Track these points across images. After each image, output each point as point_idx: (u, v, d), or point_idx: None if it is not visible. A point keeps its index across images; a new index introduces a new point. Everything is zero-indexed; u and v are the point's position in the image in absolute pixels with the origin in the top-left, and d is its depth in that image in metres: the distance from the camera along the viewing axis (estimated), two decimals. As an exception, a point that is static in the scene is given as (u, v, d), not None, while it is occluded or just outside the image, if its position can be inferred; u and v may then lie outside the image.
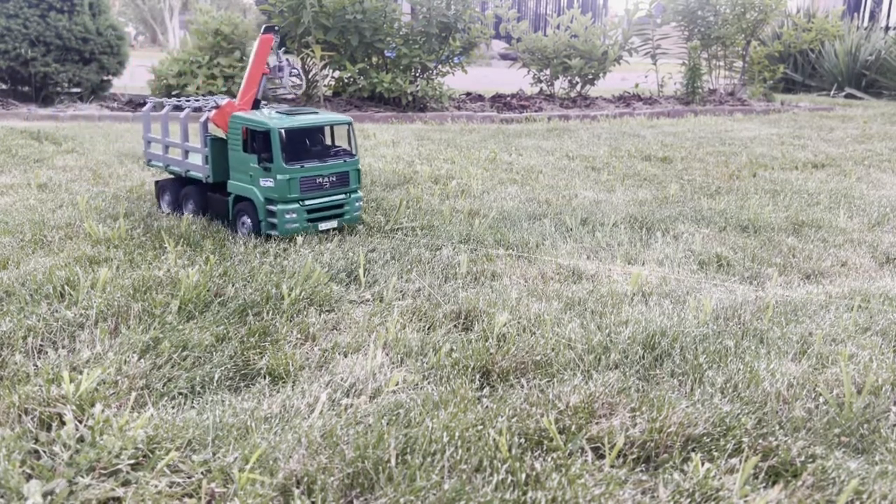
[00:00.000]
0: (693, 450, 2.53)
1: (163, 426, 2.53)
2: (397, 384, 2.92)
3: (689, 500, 2.27)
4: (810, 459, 2.47)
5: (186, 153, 5.17)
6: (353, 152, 4.95)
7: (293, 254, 4.43)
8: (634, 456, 2.50)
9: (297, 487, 2.27)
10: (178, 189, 5.30)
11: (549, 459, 2.43)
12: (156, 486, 2.24)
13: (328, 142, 4.97)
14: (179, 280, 3.75)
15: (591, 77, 14.60)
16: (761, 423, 2.68)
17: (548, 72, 14.64)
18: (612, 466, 2.43)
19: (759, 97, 15.48)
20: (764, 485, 2.36)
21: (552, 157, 8.30)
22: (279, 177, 4.57)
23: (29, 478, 2.26)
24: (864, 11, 21.54)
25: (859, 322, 3.63)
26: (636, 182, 6.96)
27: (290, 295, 3.68)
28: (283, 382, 2.96)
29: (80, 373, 2.84)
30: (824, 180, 7.18)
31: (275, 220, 4.62)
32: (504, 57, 24.26)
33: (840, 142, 9.83)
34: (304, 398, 2.79)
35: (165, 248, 4.35)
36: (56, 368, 2.88)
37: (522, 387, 2.93)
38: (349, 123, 4.92)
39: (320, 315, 3.59)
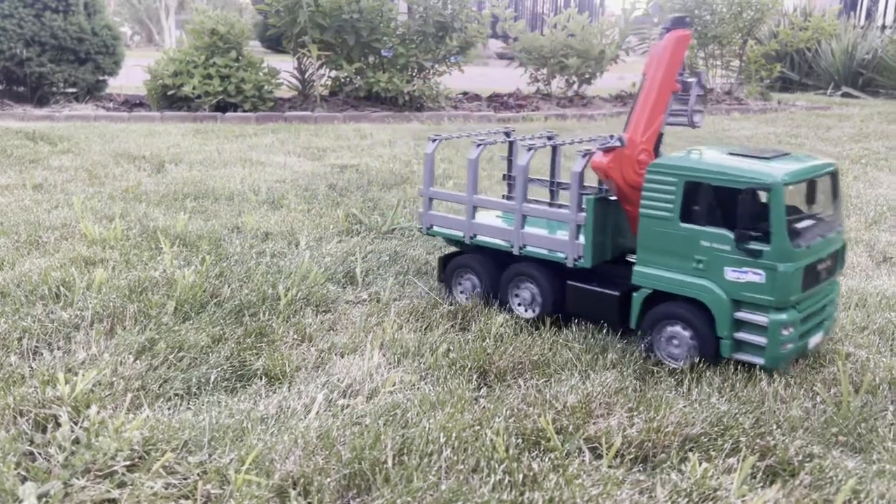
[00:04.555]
0: (691, 449, 2.52)
1: (158, 427, 2.52)
2: (394, 385, 2.91)
3: (686, 499, 2.26)
4: (808, 459, 2.47)
5: (524, 219, 3.55)
6: (839, 217, 3.28)
7: (290, 253, 4.42)
8: (632, 456, 2.49)
9: (294, 489, 2.26)
10: (492, 270, 3.70)
11: (547, 460, 2.42)
12: (151, 488, 2.23)
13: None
14: (175, 281, 3.74)
15: (587, 76, 14.59)
16: (759, 422, 2.68)
17: (545, 71, 14.63)
18: (609, 466, 2.43)
19: (755, 96, 15.49)
20: (762, 484, 2.36)
21: (547, 157, 8.28)
22: (781, 267, 2.88)
23: (24, 480, 2.25)
24: (860, 10, 21.57)
25: (856, 321, 3.63)
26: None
27: (286, 295, 3.67)
28: (280, 383, 2.95)
29: (76, 374, 2.83)
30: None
31: (755, 339, 2.98)
32: (501, 56, 24.27)
33: (837, 140, 9.84)
34: (300, 399, 2.78)
35: (161, 248, 4.34)
36: (51, 370, 2.87)
37: (520, 387, 2.92)
38: (836, 169, 3.27)
39: (317, 315, 3.58)
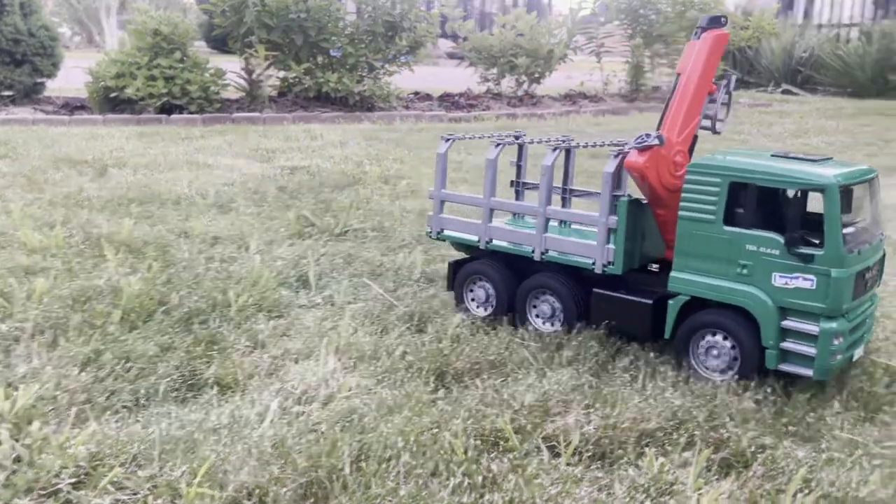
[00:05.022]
0: (647, 444, 2.55)
1: (106, 442, 2.43)
2: (350, 389, 2.87)
3: (644, 495, 2.28)
4: (760, 450, 2.52)
5: (547, 222, 3.35)
6: (880, 223, 3.14)
7: (240, 258, 4.33)
8: (590, 453, 2.50)
9: (249, 500, 2.21)
10: (509, 278, 3.48)
11: (506, 460, 2.42)
12: (99, 506, 2.15)
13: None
14: (121, 289, 3.62)
15: (537, 76, 14.70)
16: (712, 415, 2.72)
17: (495, 70, 14.68)
18: (568, 464, 2.43)
19: (700, 94, 15.81)
20: (717, 477, 2.39)
21: (501, 155, 8.30)
22: (835, 272, 2.73)
23: (-39, 502, 2.14)
24: (797, 9, 22.22)
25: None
26: (586, 179, 7.00)
27: (237, 301, 3.59)
28: (232, 392, 2.88)
29: (16, 389, 2.71)
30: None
31: (802, 348, 2.83)
32: (451, 56, 24.28)
33: (779, 136, 10.10)
34: (253, 407, 2.72)
35: (105, 255, 4.20)
36: (-10, 385, 2.75)
37: (477, 387, 2.91)
38: (877, 175, 3.15)
39: (269, 321, 3.51)
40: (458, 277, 3.64)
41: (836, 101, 15.27)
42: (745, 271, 2.87)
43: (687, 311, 3.02)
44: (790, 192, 2.86)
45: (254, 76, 11.85)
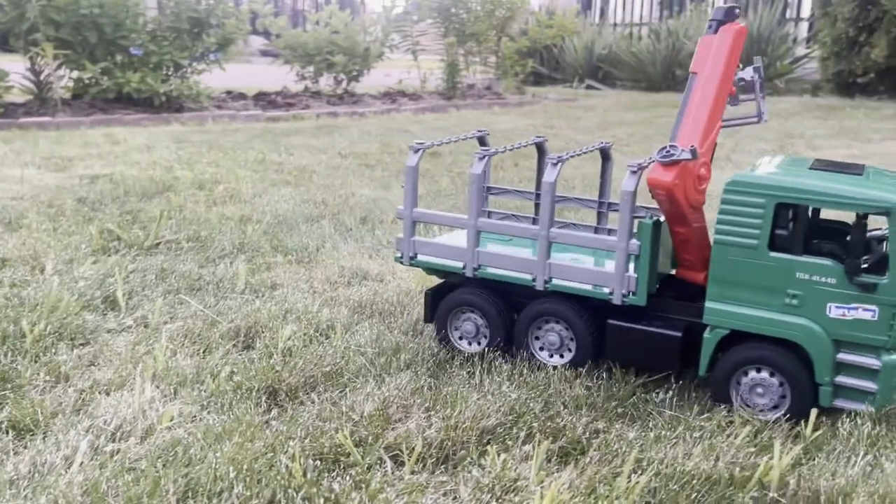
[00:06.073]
0: (488, 442, 2.54)
1: None
2: (172, 419, 2.62)
3: (489, 495, 2.26)
4: (595, 435, 2.59)
5: (549, 246, 2.95)
6: None
7: (34, 281, 3.85)
8: (433, 458, 2.45)
9: (57, 562, 1.93)
10: (503, 309, 3.12)
11: (348, 477, 2.31)
12: None
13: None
14: None
15: (355, 74, 14.60)
16: (547, 405, 2.77)
17: (311, 69, 14.40)
18: (412, 472, 2.37)
19: (513, 90, 16.48)
20: (557, 467, 2.43)
21: (324, 155, 8.13)
22: None
23: None
24: (595, 9, 23.83)
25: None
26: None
27: (33, 331, 3.18)
28: (32, 435, 2.53)
29: None
30: (578, 166, 7.77)
31: (860, 383, 2.59)
32: (265, 53, 23.54)
33: (587, 130, 10.73)
34: (59, 450, 2.40)
35: None
36: None
37: (313, 402, 2.77)
38: None
39: (73, 350, 3.14)
40: (439, 310, 3.19)
41: (633, 95, 16.55)
42: (794, 301, 2.58)
43: (724, 344, 2.73)
44: (847, 215, 2.58)
45: (42, 77, 10.75)
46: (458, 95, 15.10)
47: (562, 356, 3.06)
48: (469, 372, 3.02)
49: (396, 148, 8.70)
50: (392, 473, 2.37)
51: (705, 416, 2.70)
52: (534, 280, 2.96)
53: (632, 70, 18.27)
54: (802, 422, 2.58)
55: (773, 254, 2.59)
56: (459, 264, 3.09)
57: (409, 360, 3.11)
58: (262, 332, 3.34)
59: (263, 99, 13.21)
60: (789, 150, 8.56)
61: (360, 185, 6.65)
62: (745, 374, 2.71)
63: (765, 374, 2.69)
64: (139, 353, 3.11)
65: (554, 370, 3.00)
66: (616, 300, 2.84)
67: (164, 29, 11.34)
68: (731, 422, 2.65)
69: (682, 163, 2.64)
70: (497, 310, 3.10)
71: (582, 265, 2.98)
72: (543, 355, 3.08)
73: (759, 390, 2.70)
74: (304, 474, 2.28)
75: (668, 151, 2.66)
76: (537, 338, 3.08)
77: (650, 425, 2.66)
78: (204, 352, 3.17)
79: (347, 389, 2.86)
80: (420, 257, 3.20)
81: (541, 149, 3.45)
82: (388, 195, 6.22)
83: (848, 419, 2.58)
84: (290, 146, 8.67)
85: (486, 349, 3.11)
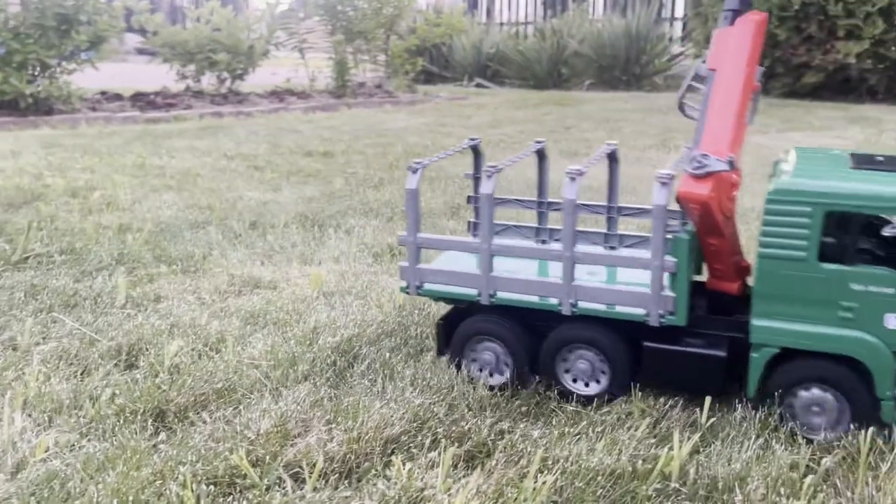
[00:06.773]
0: (393, 452, 2.47)
1: None
2: (47, 450, 2.39)
3: (397, 507, 2.19)
4: (500, 436, 2.57)
5: (573, 267, 2.72)
6: None
7: None
8: (336, 473, 2.35)
9: None
10: (524, 335, 2.89)
11: (245, 501, 2.17)
12: None
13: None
14: None
15: (240, 72, 14.13)
16: (451, 409, 2.72)
17: (193, 67, 13.82)
18: (314, 490, 2.26)
19: (404, 89, 16.42)
20: (464, 473, 2.39)
21: (209, 157, 7.80)
22: None
23: None
24: (481, 8, 24.14)
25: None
26: (301, 179, 6.83)
27: None
28: None
29: None
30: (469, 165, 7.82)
31: None
32: (141, 52, 22.45)
33: (478, 128, 10.82)
34: (-89, 497, 2.14)
35: None
36: None
37: (205, 422, 2.60)
38: None
39: (-72, 381, 2.83)
40: (454, 340, 2.97)
41: (521, 93, 16.86)
42: (849, 314, 2.45)
43: (776, 362, 2.59)
44: None
45: None
46: (348, 94, 14.90)
47: (596, 383, 2.85)
48: (371, 380, 2.93)
49: (286, 148, 8.47)
50: (293, 492, 2.25)
51: (605, 409, 2.73)
52: (560, 304, 2.78)
53: (519, 68, 18.62)
54: (698, 409, 2.66)
55: (823, 265, 2.45)
56: (473, 291, 2.87)
57: (306, 371, 2.99)
58: (147, 349, 3.12)
59: (141, 99, 12.56)
60: (670, 143, 8.93)
61: (249, 187, 6.41)
62: (798, 393, 2.57)
63: (820, 392, 2.55)
64: (7, 380, 2.84)
65: (458, 373, 2.96)
66: (653, 322, 2.65)
67: (28, 26, 10.57)
68: (630, 413, 2.70)
69: (716, 174, 2.47)
70: (517, 336, 2.89)
71: (613, 287, 2.79)
72: (578, 386, 2.85)
73: (815, 409, 2.56)
74: (197, 501, 2.13)
75: (700, 162, 2.46)
76: (567, 370, 2.87)
77: (553, 422, 2.67)
78: (82, 374, 2.93)
79: (242, 406, 2.72)
80: (428, 286, 2.96)
81: (541, 155, 3.31)
82: (279, 197, 6.02)
83: (739, 404, 2.67)
84: (171, 149, 8.27)
85: (510, 380, 2.90)
